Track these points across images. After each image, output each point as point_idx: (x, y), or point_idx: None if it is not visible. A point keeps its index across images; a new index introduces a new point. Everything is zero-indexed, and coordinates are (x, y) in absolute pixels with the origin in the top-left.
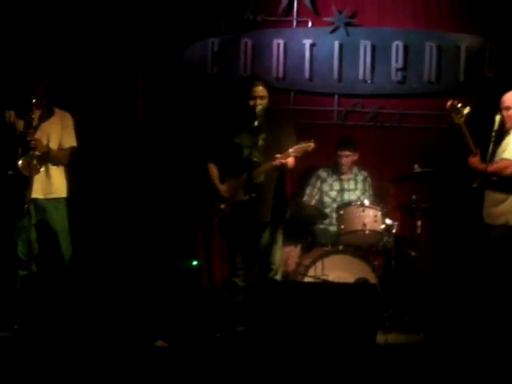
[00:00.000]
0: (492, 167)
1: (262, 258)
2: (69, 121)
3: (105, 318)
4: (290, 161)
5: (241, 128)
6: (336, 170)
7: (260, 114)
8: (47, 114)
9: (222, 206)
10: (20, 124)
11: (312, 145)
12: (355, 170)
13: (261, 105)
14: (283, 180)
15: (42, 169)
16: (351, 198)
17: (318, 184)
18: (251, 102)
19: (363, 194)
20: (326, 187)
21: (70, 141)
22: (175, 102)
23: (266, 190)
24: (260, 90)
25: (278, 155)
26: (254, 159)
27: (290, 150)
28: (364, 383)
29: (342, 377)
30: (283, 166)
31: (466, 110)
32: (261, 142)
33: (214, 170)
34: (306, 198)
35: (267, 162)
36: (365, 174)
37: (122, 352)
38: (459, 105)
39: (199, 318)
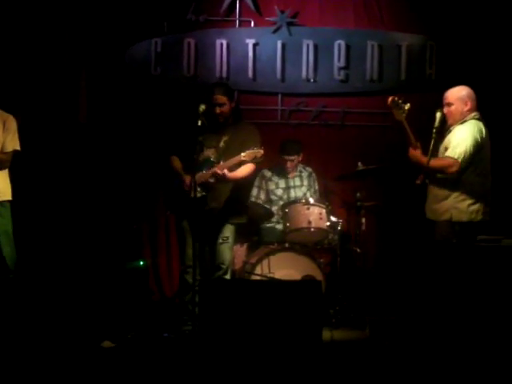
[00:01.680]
0: (435, 162)
1: (212, 257)
2: (11, 123)
3: (51, 319)
4: (235, 173)
5: (206, 128)
6: (281, 171)
7: (222, 121)
8: None
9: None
10: None
11: (261, 151)
12: (300, 167)
13: (221, 112)
14: (242, 184)
15: None
16: (297, 194)
17: (264, 184)
18: (212, 109)
19: (309, 189)
20: (271, 186)
21: (13, 144)
22: (119, 103)
23: (221, 190)
24: (218, 98)
25: (220, 164)
26: (211, 159)
27: (242, 154)
28: (310, 380)
29: (289, 373)
30: (221, 178)
31: (407, 106)
32: (222, 144)
33: (177, 161)
34: (252, 199)
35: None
36: (309, 170)
37: (69, 353)
38: (400, 101)
39: (146, 318)
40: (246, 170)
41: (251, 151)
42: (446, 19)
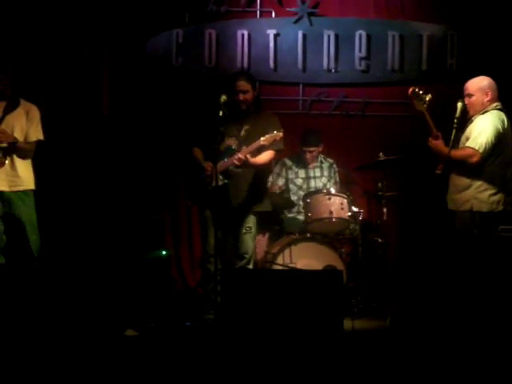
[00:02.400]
0: (456, 152)
1: (236, 247)
2: (35, 113)
3: (74, 308)
4: (258, 158)
5: (227, 118)
6: (301, 161)
7: (244, 109)
8: (12, 106)
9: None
10: None
11: (280, 134)
12: (321, 157)
13: (244, 99)
14: (263, 172)
15: (6, 161)
16: (317, 185)
17: (284, 172)
18: (234, 97)
19: (329, 180)
20: (291, 175)
21: (37, 134)
22: (140, 93)
23: (242, 178)
24: (242, 84)
25: (244, 147)
26: (233, 147)
27: (262, 139)
28: (331, 369)
29: (311, 362)
30: (244, 162)
31: (428, 97)
32: (243, 133)
33: (199, 152)
34: (268, 184)
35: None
36: (331, 161)
37: (93, 341)
38: (421, 91)
39: (169, 307)
40: (266, 156)
41: (270, 135)
42: (467, 8)
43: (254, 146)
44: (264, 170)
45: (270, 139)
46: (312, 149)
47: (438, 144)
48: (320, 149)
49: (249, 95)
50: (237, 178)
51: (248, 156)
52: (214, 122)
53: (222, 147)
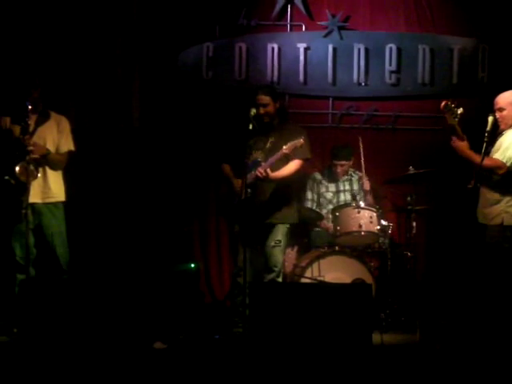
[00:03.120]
0: (487, 161)
1: (265, 260)
2: (65, 125)
3: (103, 321)
4: (279, 172)
5: (253, 132)
6: (331, 174)
7: (267, 121)
8: (43, 119)
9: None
10: (16, 129)
11: (301, 140)
12: (351, 171)
13: (265, 112)
14: (290, 183)
15: (39, 174)
16: (347, 198)
17: (315, 187)
18: (256, 110)
19: (358, 194)
20: (322, 189)
21: (68, 145)
22: (171, 107)
23: (268, 191)
24: (261, 98)
25: (263, 163)
26: (259, 160)
27: (284, 147)
28: (360, 383)
29: (339, 377)
30: (261, 177)
31: (460, 111)
32: (268, 145)
33: (228, 168)
34: (309, 203)
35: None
36: (360, 174)
37: (121, 354)
38: (453, 105)
39: (197, 320)
40: (291, 167)
41: (291, 142)
42: (498, 21)
43: (277, 157)
44: (290, 181)
45: (292, 147)
46: (343, 162)
47: (463, 145)
48: (351, 163)
49: (269, 108)
50: (263, 190)
51: (268, 171)
52: (243, 136)
53: (250, 160)
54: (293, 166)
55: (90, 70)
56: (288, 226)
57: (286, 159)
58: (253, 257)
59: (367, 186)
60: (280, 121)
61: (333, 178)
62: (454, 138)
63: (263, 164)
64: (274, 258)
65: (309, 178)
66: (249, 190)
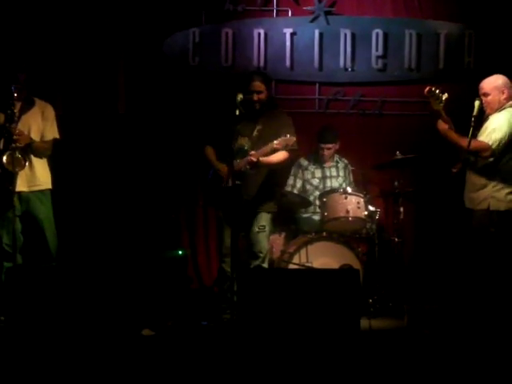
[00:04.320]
0: (473, 143)
1: (250, 246)
2: (50, 112)
3: (91, 307)
4: (270, 158)
5: (240, 117)
6: (318, 159)
7: (258, 108)
8: (28, 106)
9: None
10: (1, 117)
11: (293, 139)
12: (336, 157)
13: (258, 100)
14: (276, 172)
15: (27, 163)
16: (333, 184)
17: (300, 173)
18: (249, 97)
19: (345, 181)
20: (307, 175)
21: (53, 133)
22: (157, 93)
23: (254, 178)
24: (257, 85)
25: (252, 152)
26: (245, 147)
27: (275, 142)
28: (348, 368)
29: (327, 362)
30: (255, 164)
31: (445, 96)
32: (255, 133)
33: (211, 151)
34: (289, 188)
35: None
36: (345, 161)
37: (110, 341)
38: (437, 91)
39: (185, 307)
40: (279, 156)
41: (283, 139)
42: (484, 7)
43: (267, 149)
44: (276, 170)
45: (283, 143)
46: (329, 145)
47: (446, 127)
48: (337, 146)
49: (263, 95)
50: (249, 178)
51: (260, 158)
52: (230, 121)
53: (235, 146)
54: (281, 155)
55: (75, 56)
56: (271, 214)
57: (272, 151)
58: (236, 243)
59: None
60: (268, 108)
61: (319, 163)
62: (440, 121)
63: (253, 153)
64: (259, 243)
65: (294, 164)
66: (235, 178)
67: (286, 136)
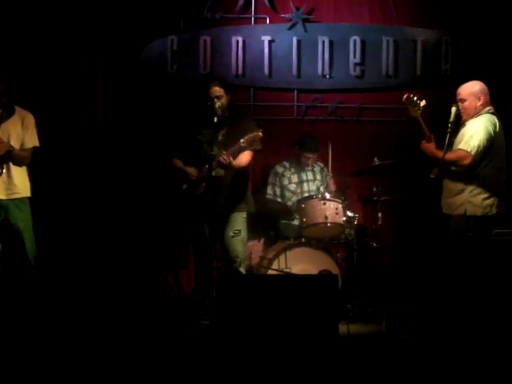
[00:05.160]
0: (450, 155)
1: (225, 251)
2: (30, 120)
3: (70, 315)
4: (239, 160)
5: (202, 125)
6: (294, 165)
7: (218, 112)
8: (7, 114)
9: (184, 187)
10: None
11: (259, 134)
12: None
13: (218, 103)
14: (244, 174)
15: (3, 170)
16: (311, 188)
17: (277, 180)
18: (209, 103)
19: (322, 184)
20: (284, 181)
21: (33, 141)
22: (135, 101)
23: (225, 183)
24: (216, 90)
25: (224, 152)
26: (213, 153)
27: (241, 141)
28: (327, 373)
29: (306, 367)
30: (225, 164)
31: (423, 103)
32: (220, 138)
33: (178, 161)
34: (269, 196)
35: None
36: (321, 165)
37: (89, 348)
38: (415, 98)
39: (165, 313)
40: (246, 157)
41: (249, 136)
42: (461, 14)
43: (234, 149)
44: (244, 172)
45: (250, 140)
46: (310, 155)
47: (430, 147)
48: (316, 156)
49: (223, 100)
50: (218, 182)
51: (231, 158)
52: (198, 129)
53: (202, 154)
54: (248, 156)
55: (53, 63)
56: (245, 215)
57: (239, 151)
58: (213, 250)
59: (333, 187)
60: (229, 112)
61: (297, 168)
62: (423, 142)
63: (224, 153)
64: (235, 248)
65: (270, 172)
66: (203, 184)
67: (250, 133)
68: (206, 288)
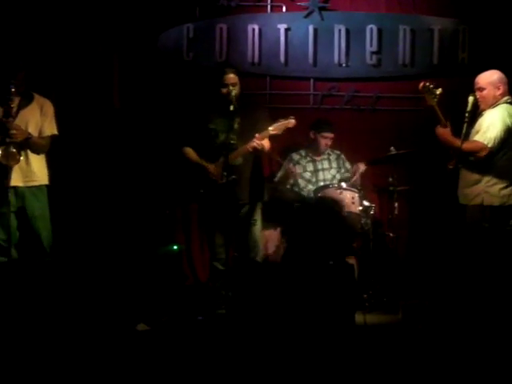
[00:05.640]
0: (467, 145)
1: (242, 240)
2: (49, 108)
3: (86, 303)
4: (266, 143)
5: (215, 114)
6: (312, 150)
7: (233, 100)
8: (26, 101)
9: (202, 191)
10: None
11: (292, 121)
12: (328, 150)
13: (233, 91)
14: (260, 162)
15: (21, 157)
16: (326, 177)
17: (291, 167)
18: (224, 90)
19: (338, 171)
20: (299, 169)
21: (51, 129)
22: (152, 88)
23: (244, 172)
24: (231, 77)
25: (257, 135)
26: (231, 142)
27: (270, 128)
28: (343, 363)
29: (322, 356)
30: (260, 149)
31: (439, 91)
32: (236, 126)
33: (192, 152)
34: (276, 179)
35: (244, 145)
36: (337, 152)
37: (104, 336)
38: (431, 86)
39: (180, 302)
40: (269, 143)
41: (280, 123)
42: (478, 2)
43: (265, 134)
44: (261, 160)
45: (282, 127)
46: (330, 135)
47: (446, 132)
48: (333, 136)
49: (238, 87)
50: (237, 172)
51: (264, 142)
52: (211, 118)
53: (218, 144)
54: (268, 144)
55: (70, 51)
56: (261, 204)
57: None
58: (229, 240)
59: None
60: (241, 101)
61: (310, 157)
62: (438, 126)
63: (257, 136)
64: (252, 237)
65: (285, 158)
66: (224, 173)
67: (279, 121)
68: (220, 279)
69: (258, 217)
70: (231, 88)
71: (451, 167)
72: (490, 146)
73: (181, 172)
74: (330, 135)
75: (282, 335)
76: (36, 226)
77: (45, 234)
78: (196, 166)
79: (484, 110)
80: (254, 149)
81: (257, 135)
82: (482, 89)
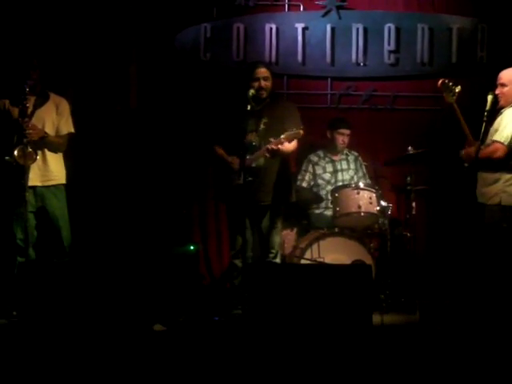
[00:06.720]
0: (483, 153)
1: (262, 242)
2: (65, 106)
3: (103, 303)
4: (287, 146)
5: (245, 112)
6: (330, 149)
7: (264, 97)
8: (42, 100)
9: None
10: (15, 111)
11: (301, 132)
12: (346, 150)
13: (265, 86)
14: (285, 163)
15: (38, 157)
16: (345, 177)
17: (310, 168)
18: (255, 84)
19: (356, 173)
20: (319, 170)
21: (67, 127)
22: (169, 88)
23: (266, 173)
24: (264, 71)
25: (272, 139)
26: (253, 143)
27: (282, 136)
28: (360, 363)
29: (339, 357)
30: (275, 152)
31: (458, 89)
32: (262, 127)
33: (221, 150)
34: (298, 182)
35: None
36: (355, 154)
37: (121, 336)
38: (450, 83)
39: (197, 302)
40: (293, 145)
41: (291, 133)
42: (497, 1)
43: (277, 141)
44: (285, 161)
45: (291, 137)
46: (348, 131)
47: (472, 151)
48: (349, 133)
49: (269, 82)
50: (261, 174)
51: (279, 146)
52: (239, 117)
53: (244, 142)
54: (294, 144)
55: (86, 51)
56: (283, 206)
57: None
58: (250, 239)
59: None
60: (271, 99)
61: (329, 157)
62: (466, 147)
63: (273, 140)
64: (271, 239)
65: (303, 160)
66: (247, 174)
67: (292, 130)
68: (239, 277)
69: (278, 220)
70: (263, 82)
71: (468, 165)
72: (506, 143)
73: (201, 169)
74: (347, 131)
75: (299, 336)
76: (57, 226)
77: (65, 234)
78: (225, 164)
79: (503, 106)
80: (269, 152)
81: (272, 140)
82: (504, 85)
